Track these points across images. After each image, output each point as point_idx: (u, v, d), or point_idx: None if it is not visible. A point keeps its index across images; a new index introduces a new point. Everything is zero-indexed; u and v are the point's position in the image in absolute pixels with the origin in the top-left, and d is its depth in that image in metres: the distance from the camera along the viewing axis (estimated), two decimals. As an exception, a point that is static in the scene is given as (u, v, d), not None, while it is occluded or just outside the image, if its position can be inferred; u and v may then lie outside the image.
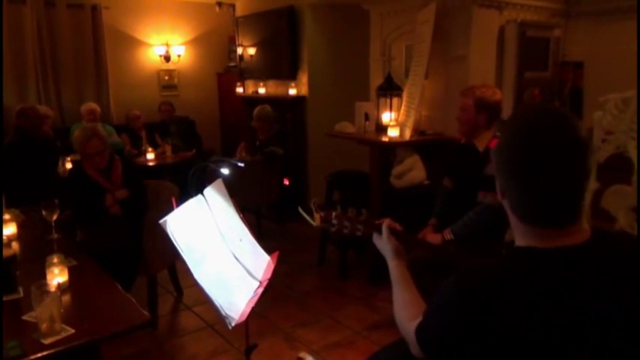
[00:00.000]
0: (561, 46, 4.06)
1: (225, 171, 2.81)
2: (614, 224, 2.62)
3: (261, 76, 5.83)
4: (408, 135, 3.51)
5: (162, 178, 4.43)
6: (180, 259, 1.66)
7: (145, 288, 3.09)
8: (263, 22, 5.60)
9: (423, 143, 3.66)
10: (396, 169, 3.74)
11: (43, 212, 2.58)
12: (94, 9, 5.80)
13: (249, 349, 1.98)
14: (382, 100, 3.83)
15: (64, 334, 1.62)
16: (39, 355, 1.53)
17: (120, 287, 2.04)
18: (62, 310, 1.68)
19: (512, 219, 1.01)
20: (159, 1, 6.32)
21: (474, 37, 3.48)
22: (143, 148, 5.17)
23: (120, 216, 3.05)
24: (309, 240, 4.38)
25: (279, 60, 5.45)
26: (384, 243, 1.41)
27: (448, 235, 2.57)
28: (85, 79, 5.85)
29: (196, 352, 2.86)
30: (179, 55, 6.53)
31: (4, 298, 1.83)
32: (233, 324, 1.66)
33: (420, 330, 1.06)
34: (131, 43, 6.25)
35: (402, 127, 3.59)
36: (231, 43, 6.43)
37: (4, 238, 2.45)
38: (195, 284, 1.65)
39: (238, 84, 6.18)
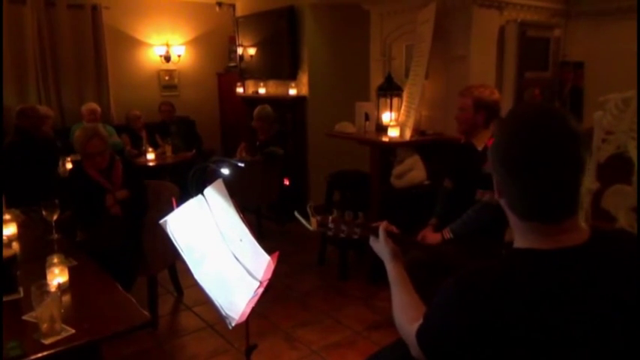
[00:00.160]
0: (561, 46, 4.06)
1: (225, 171, 2.81)
2: (615, 224, 2.62)
3: (262, 76, 5.83)
4: (408, 135, 3.51)
5: (163, 179, 4.43)
6: (180, 259, 1.66)
7: (146, 288, 3.09)
8: (263, 22, 5.60)
9: (423, 143, 3.66)
10: (397, 169, 3.74)
11: (44, 212, 2.58)
12: (94, 9, 5.79)
13: (250, 349, 1.98)
14: (382, 100, 3.83)
15: (64, 335, 1.62)
16: (39, 355, 1.53)
17: (120, 287, 2.04)
18: (62, 311, 1.69)
19: (512, 217, 1.01)
20: (159, 1, 6.33)
21: (474, 37, 3.48)
22: (143, 148, 5.17)
23: (120, 216, 3.05)
24: (309, 240, 4.38)
25: (280, 60, 5.45)
26: (381, 246, 1.41)
27: (447, 234, 2.58)
28: (86, 80, 5.85)
29: (196, 352, 2.86)
30: (179, 56, 6.54)
31: (5, 299, 1.83)
32: (233, 324, 1.66)
33: (420, 332, 1.06)
34: (131, 43, 6.25)
35: (402, 127, 3.59)
36: (232, 43, 6.43)
37: (4, 238, 2.46)
38: (196, 284, 1.64)
39: (238, 84, 6.18)
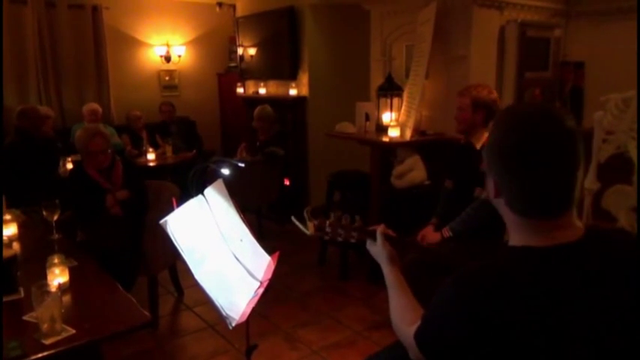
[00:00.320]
0: (562, 46, 4.06)
1: (225, 171, 2.81)
2: (615, 224, 2.62)
3: (262, 76, 5.83)
4: (408, 135, 3.51)
5: (163, 179, 4.42)
6: (180, 259, 1.66)
7: (146, 288, 3.09)
8: (263, 22, 5.60)
9: (423, 143, 3.66)
10: (397, 170, 3.74)
11: (44, 212, 2.58)
12: (95, 9, 5.80)
13: (250, 350, 1.98)
14: (383, 100, 3.83)
15: (64, 335, 1.62)
16: (40, 355, 1.53)
17: (120, 287, 2.04)
18: (63, 311, 1.69)
19: (509, 216, 1.01)
20: (159, 2, 6.33)
21: (474, 37, 3.48)
22: (144, 148, 5.17)
23: (120, 216, 3.05)
24: (309, 240, 4.36)
25: (280, 60, 5.45)
26: (378, 249, 1.41)
27: (447, 232, 2.59)
28: (86, 80, 5.85)
29: (197, 353, 2.86)
30: (179, 56, 6.54)
31: (5, 299, 1.83)
32: (233, 324, 1.66)
33: (419, 333, 1.06)
34: (132, 43, 6.25)
35: (402, 127, 3.60)
36: (232, 43, 6.43)
37: (4, 238, 2.46)
38: (196, 284, 1.64)
39: (239, 84, 6.18)
